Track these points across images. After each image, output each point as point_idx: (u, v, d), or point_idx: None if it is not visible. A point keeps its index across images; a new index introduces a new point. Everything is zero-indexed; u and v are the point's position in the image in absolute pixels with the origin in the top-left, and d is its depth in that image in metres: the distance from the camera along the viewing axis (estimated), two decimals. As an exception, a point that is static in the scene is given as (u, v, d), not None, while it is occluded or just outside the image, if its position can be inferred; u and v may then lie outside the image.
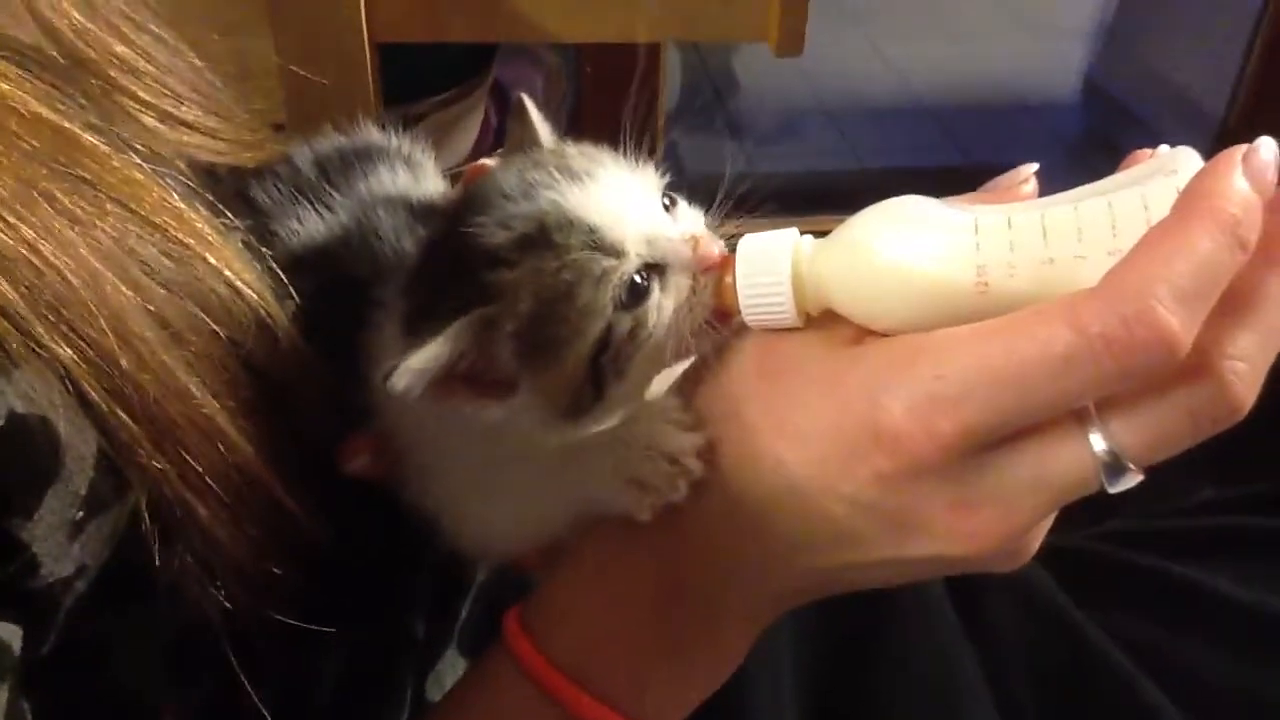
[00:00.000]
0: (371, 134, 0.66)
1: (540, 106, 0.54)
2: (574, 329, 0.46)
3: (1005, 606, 0.68)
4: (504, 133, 0.50)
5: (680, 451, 0.45)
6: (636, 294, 0.47)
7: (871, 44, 2.63)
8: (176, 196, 0.47)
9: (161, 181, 0.47)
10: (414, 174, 0.63)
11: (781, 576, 0.47)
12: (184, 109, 0.56)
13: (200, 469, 0.43)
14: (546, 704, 0.48)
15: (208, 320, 0.46)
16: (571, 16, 1.00)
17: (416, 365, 0.43)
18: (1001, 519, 0.42)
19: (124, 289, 0.42)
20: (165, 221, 0.46)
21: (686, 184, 0.51)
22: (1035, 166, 0.46)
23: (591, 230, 0.46)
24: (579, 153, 0.49)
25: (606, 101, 1.68)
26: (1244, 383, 0.39)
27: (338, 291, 0.55)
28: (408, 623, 0.63)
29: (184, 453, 0.43)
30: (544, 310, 0.46)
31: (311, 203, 0.59)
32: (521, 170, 0.48)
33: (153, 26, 0.57)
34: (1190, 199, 0.38)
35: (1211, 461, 0.74)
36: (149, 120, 0.53)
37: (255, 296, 0.48)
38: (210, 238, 0.47)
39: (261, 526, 0.46)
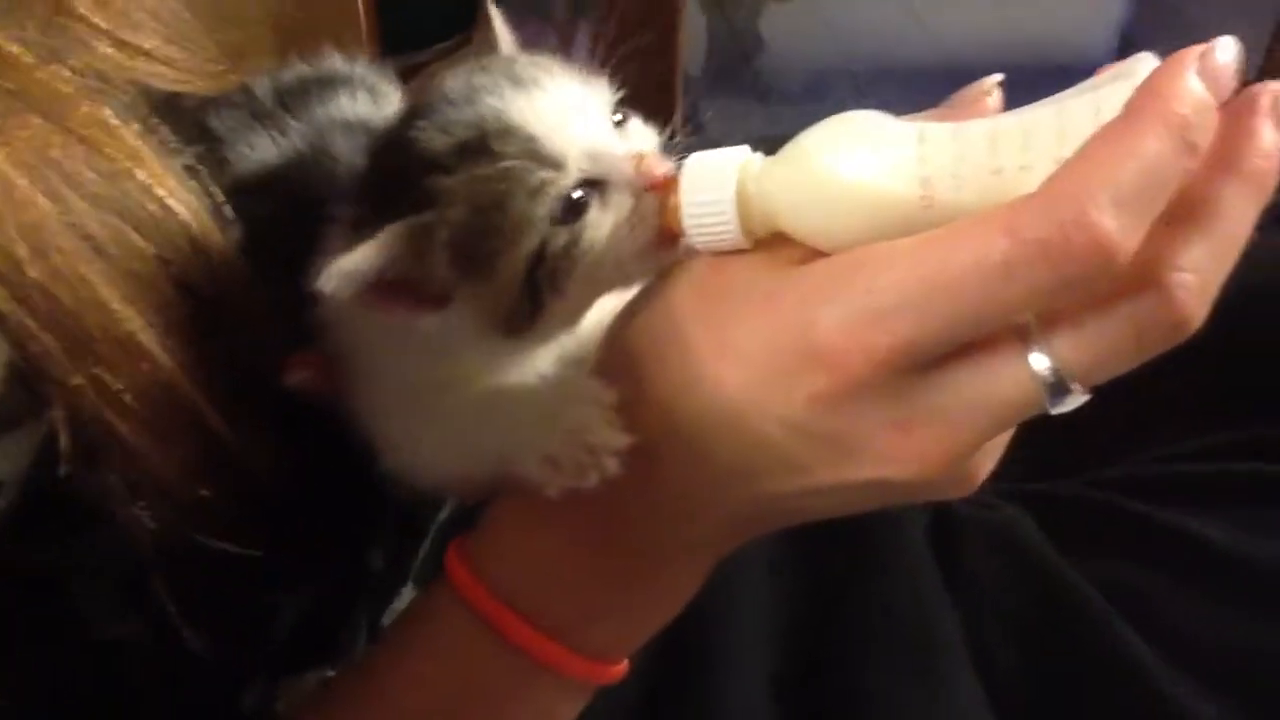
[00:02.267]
0: (334, 63, 0.64)
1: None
2: (507, 240, 0.44)
3: (985, 554, 0.66)
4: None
5: (602, 447, 0.43)
6: (574, 209, 0.45)
7: (902, 3, 2.59)
8: (109, 113, 0.46)
9: (94, 97, 0.46)
10: (376, 100, 0.61)
11: (727, 504, 0.45)
12: (142, 37, 0.55)
13: (120, 385, 0.42)
14: (485, 635, 0.47)
15: (135, 236, 0.45)
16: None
17: (347, 267, 0.42)
18: (942, 440, 0.40)
19: (40, 198, 0.41)
20: (93, 135, 0.45)
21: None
22: (999, 76, 0.44)
23: (530, 139, 0.44)
24: (530, 61, 0.48)
25: (626, 61, 1.66)
26: (1192, 295, 0.36)
27: (291, 213, 0.53)
28: (368, 557, 0.62)
29: (102, 367, 0.42)
30: (478, 219, 0.44)
31: (266, 129, 0.58)
32: (469, 75, 0.47)
33: None
34: (1138, 100, 0.35)
35: (1219, 403, 0.72)
36: (102, 46, 0.52)
37: (189, 215, 0.47)
38: (143, 155, 0.47)
39: (188, 446, 0.45)
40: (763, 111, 2.43)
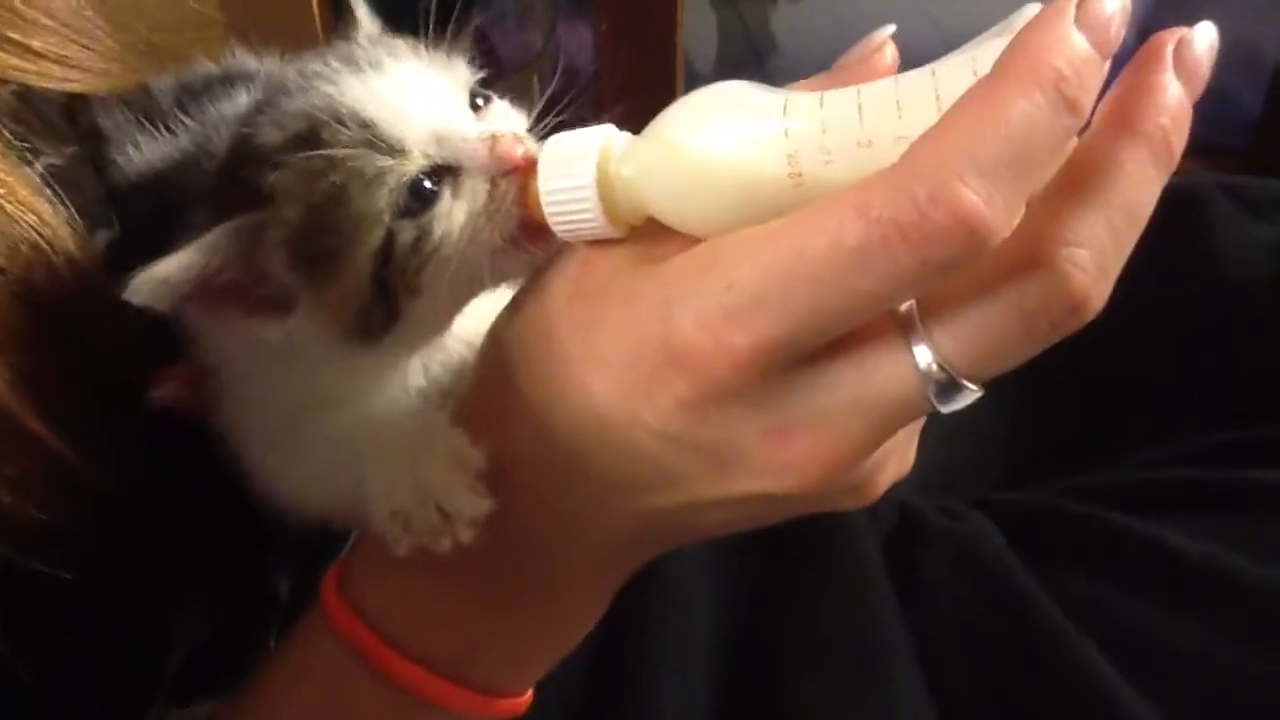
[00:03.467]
0: (242, 60, 0.61)
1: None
2: (348, 238, 0.41)
3: (945, 566, 0.62)
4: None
5: (457, 514, 0.39)
6: (422, 199, 0.41)
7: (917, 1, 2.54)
8: None
9: None
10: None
11: (610, 523, 0.41)
12: (31, 34, 0.52)
13: None
14: (359, 666, 0.43)
15: None
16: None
17: (160, 274, 0.39)
18: (822, 446, 0.36)
19: None
20: None
21: None
22: (891, 29, 0.40)
23: (366, 125, 0.41)
24: (371, 43, 0.44)
25: (624, 59, 1.62)
26: (1087, 273, 0.32)
27: (165, 215, 0.50)
28: (268, 583, 0.58)
29: None
30: (314, 217, 0.41)
31: (156, 128, 0.54)
32: (304, 63, 0.44)
33: None
34: (1008, 57, 0.31)
35: (1206, 409, 0.67)
36: None
37: (34, 220, 0.44)
38: None
39: (17, 464, 0.41)
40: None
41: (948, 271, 0.31)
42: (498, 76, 0.48)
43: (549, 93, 0.48)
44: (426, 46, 0.44)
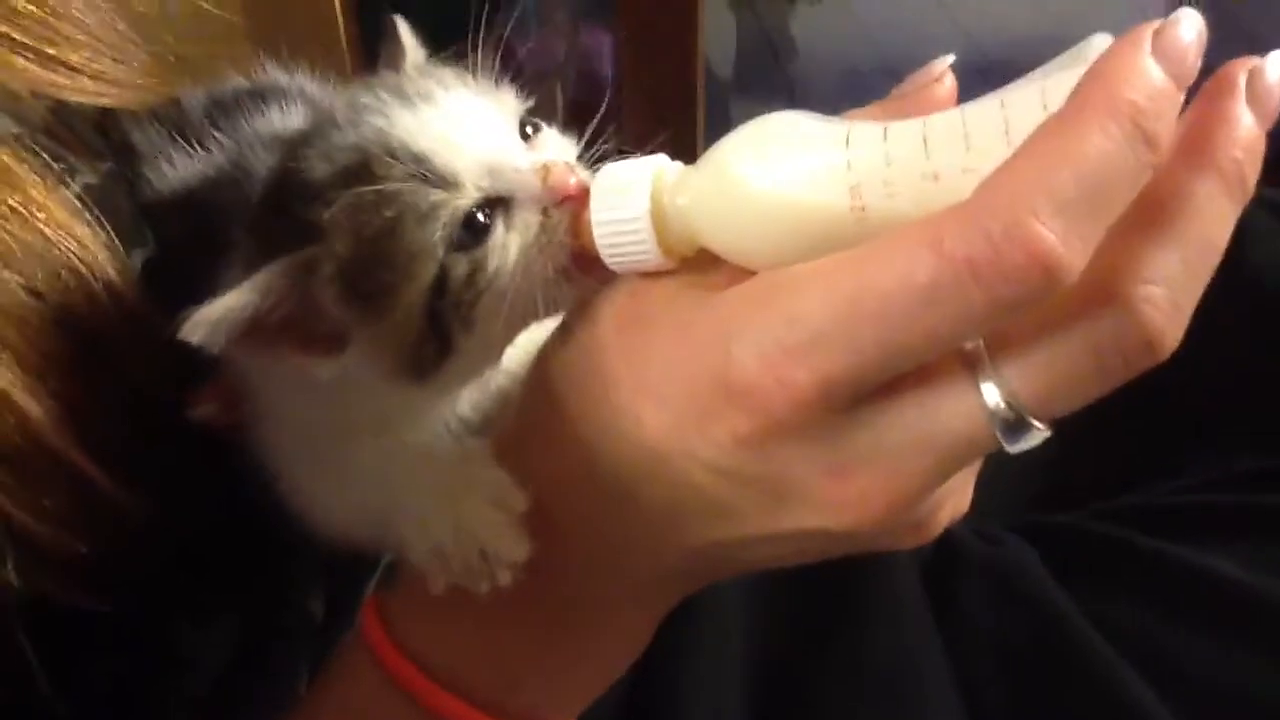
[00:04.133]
0: (273, 75, 0.60)
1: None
2: (401, 273, 0.40)
3: (984, 593, 0.60)
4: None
5: (496, 557, 0.39)
6: (475, 232, 0.41)
7: (936, 2, 2.52)
8: None
9: None
10: (313, 111, 0.57)
11: (658, 555, 0.40)
12: (67, 50, 0.52)
13: None
14: (400, 698, 0.43)
15: (4, 270, 0.41)
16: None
17: (213, 316, 0.38)
18: (884, 485, 0.35)
19: None
20: None
21: None
22: (950, 58, 0.39)
23: (419, 159, 0.40)
24: (420, 74, 0.43)
25: (644, 64, 1.61)
26: (1162, 311, 0.31)
27: (202, 233, 0.49)
28: (301, 604, 0.58)
29: None
30: (366, 252, 0.40)
31: (190, 144, 0.54)
32: (353, 95, 0.43)
33: None
34: (1084, 89, 0.30)
35: (1250, 431, 0.66)
36: (20, 61, 0.49)
37: (74, 244, 0.44)
38: (17, 179, 0.43)
39: (58, 498, 0.41)
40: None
41: (1020, 310, 0.31)
42: (522, 86, 0.47)
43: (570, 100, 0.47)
44: (473, 73, 0.44)
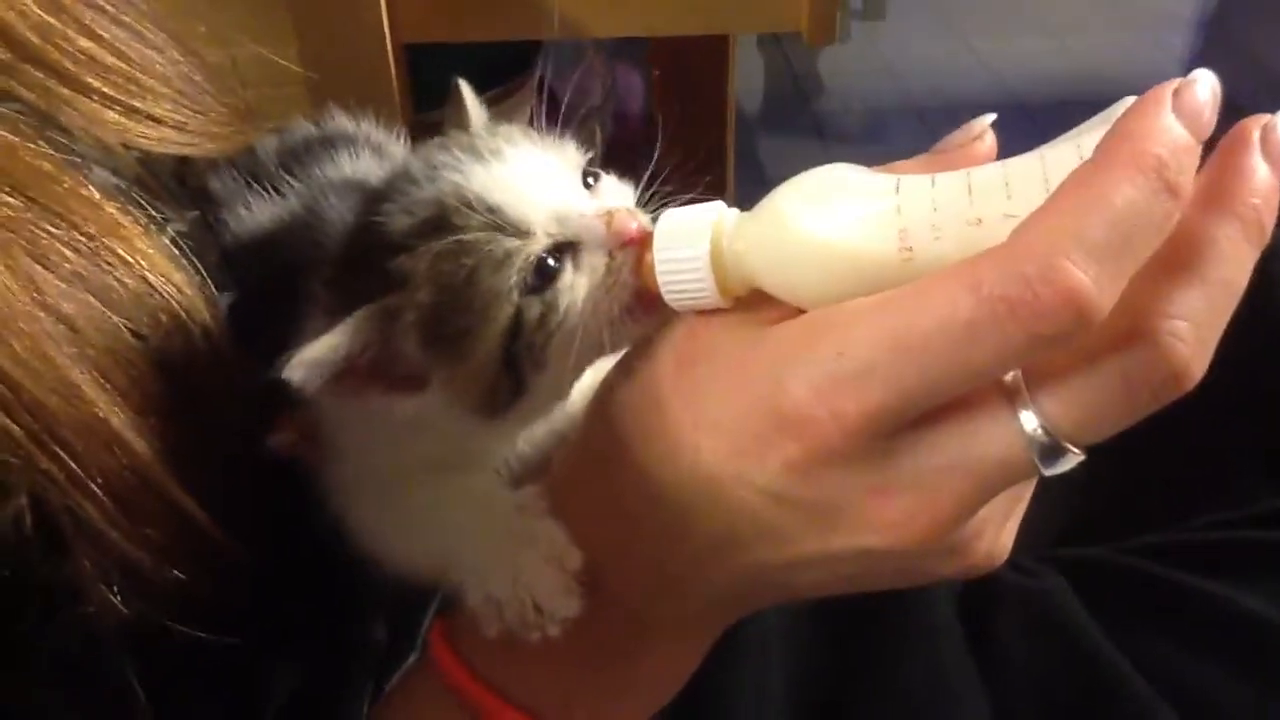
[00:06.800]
0: (341, 123, 0.64)
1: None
2: (479, 316, 0.43)
3: (1021, 627, 0.62)
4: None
5: (550, 612, 0.42)
6: (546, 276, 0.44)
7: (962, 40, 2.56)
8: (92, 188, 0.46)
9: (76, 174, 0.46)
10: (379, 158, 0.61)
11: (712, 578, 0.43)
12: (151, 103, 0.54)
13: (89, 471, 0.41)
14: (466, 717, 0.45)
15: (110, 314, 0.43)
16: (593, 10, 0.97)
17: (312, 357, 0.41)
18: (924, 507, 0.37)
19: (10, 279, 0.40)
20: (72, 212, 0.44)
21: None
22: (991, 117, 0.41)
23: (493, 210, 0.43)
24: (490, 133, 0.47)
25: (677, 103, 1.65)
26: (1187, 344, 0.34)
27: (278, 277, 0.52)
28: (366, 627, 0.60)
29: (70, 453, 0.40)
30: (445, 298, 0.43)
31: (265, 190, 0.57)
32: (429, 154, 0.46)
33: (131, 22, 0.56)
34: (1109, 143, 0.33)
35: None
36: (111, 115, 0.52)
37: (173, 290, 0.46)
38: (125, 230, 0.46)
39: (161, 530, 0.43)
40: (821, 150, 2.41)
41: (1054, 347, 0.33)
42: (565, 128, 0.50)
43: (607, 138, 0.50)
44: (536, 129, 0.47)
